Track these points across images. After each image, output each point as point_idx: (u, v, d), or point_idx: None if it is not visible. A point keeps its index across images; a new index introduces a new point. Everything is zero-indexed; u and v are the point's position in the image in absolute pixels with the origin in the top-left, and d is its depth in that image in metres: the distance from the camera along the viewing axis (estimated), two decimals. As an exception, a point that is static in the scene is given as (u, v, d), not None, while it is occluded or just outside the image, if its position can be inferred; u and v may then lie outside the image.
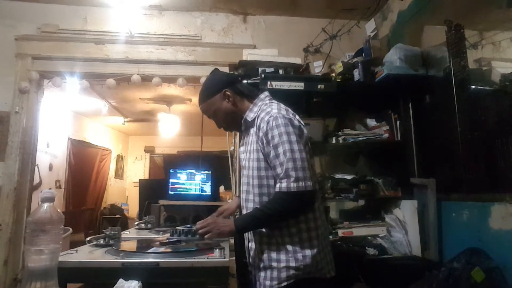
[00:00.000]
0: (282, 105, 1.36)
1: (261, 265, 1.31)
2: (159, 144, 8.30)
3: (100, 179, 7.02)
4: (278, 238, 1.29)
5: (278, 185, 1.24)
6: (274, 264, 1.27)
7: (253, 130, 1.35)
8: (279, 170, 1.23)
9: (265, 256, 1.30)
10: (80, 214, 6.19)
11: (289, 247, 1.26)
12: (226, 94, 1.40)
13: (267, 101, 1.39)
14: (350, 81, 2.43)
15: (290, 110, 1.35)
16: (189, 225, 1.73)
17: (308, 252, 1.25)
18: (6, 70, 2.92)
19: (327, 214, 2.26)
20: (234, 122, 1.44)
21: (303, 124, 1.35)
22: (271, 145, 1.25)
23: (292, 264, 1.25)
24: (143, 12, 3.12)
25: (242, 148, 1.47)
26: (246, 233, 1.42)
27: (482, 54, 2.18)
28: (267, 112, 1.31)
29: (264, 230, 1.31)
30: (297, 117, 1.35)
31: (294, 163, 1.21)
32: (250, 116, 1.39)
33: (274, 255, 1.28)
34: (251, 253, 1.39)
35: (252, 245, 1.38)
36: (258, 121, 1.32)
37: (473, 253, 1.77)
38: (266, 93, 1.46)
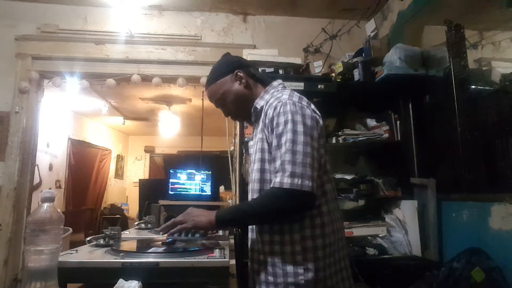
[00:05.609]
0: (296, 93, 1.21)
1: (257, 279, 1.15)
2: (159, 144, 8.30)
3: (100, 179, 7.02)
4: (277, 246, 1.10)
5: (273, 179, 1.07)
6: (271, 278, 1.10)
7: (261, 119, 1.20)
8: (277, 162, 1.07)
9: (262, 267, 1.13)
10: (80, 214, 6.19)
11: (289, 258, 1.08)
12: (239, 76, 1.26)
13: (280, 88, 1.26)
14: (350, 81, 2.43)
15: (304, 98, 1.19)
16: None
17: (311, 265, 1.06)
18: (6, 70, 2.92)
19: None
20: (245, 108, 1.28)
21: (319, 114, 1.19)
22: (274, 133, 1.10)
23: (291, 279, 1.06)
24: (143, 12, 3.12)
25: (251, 142, 1.34)
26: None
27: (482, 54, 2.18)
28: (276, 97, 1.17)
29: (263, 235, 1.14)
30: (312, 106, 1.19)
31: (292, 156, 1.04)
32: (259, 103, 1.24)
33: (270, 267, 1.10)
34: (249, 263, 1.25)
35: (250, 253, 1.24)
36: (267, 107, 1.18)
37: (473, 253, 1.77)
38: (280, 80, 1.31)
